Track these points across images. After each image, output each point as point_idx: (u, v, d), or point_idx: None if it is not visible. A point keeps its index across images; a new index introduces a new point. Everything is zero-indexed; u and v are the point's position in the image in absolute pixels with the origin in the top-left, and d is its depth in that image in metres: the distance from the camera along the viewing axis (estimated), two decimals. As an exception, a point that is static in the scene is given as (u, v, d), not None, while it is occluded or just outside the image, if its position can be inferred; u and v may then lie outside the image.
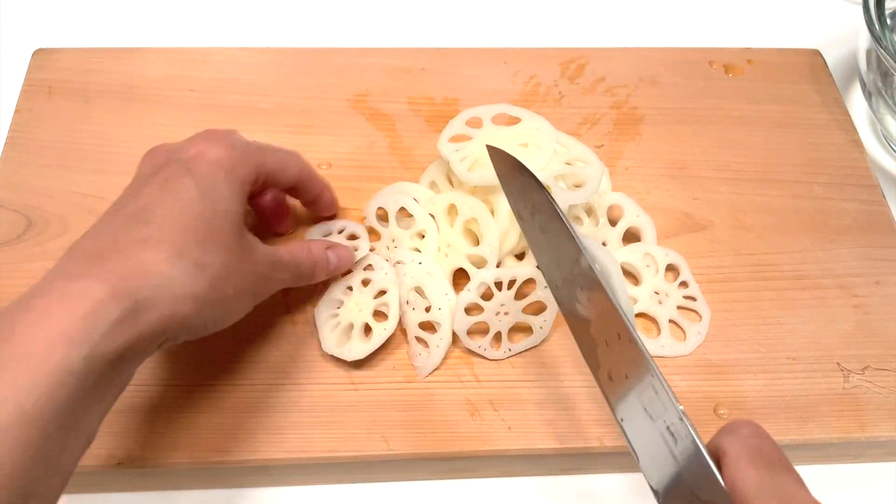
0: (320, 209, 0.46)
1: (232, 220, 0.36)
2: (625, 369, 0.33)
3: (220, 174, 0.36)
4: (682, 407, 0.30)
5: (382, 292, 0.43)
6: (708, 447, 0.29)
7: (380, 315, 0.43)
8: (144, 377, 0.41)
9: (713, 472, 0.28)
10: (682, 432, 0.30)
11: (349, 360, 0.41)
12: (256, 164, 0.39)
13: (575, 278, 0.35)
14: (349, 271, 0.44)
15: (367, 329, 0.42)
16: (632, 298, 0.45)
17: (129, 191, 0.36)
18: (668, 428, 0.31)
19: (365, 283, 0.44)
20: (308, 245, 0.42)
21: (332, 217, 0.47)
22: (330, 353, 0.42)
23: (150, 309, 0.31)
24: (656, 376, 0.31)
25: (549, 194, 0.37)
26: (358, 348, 0.41)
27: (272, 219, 0.46)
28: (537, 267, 0.40)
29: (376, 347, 0.42)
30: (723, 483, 0.28)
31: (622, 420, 0.33)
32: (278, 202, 0.46)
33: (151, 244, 0.33)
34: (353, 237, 0.46)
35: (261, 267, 0.38)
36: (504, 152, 0.40)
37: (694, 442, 0.29)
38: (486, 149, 0.41)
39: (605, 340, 0.34)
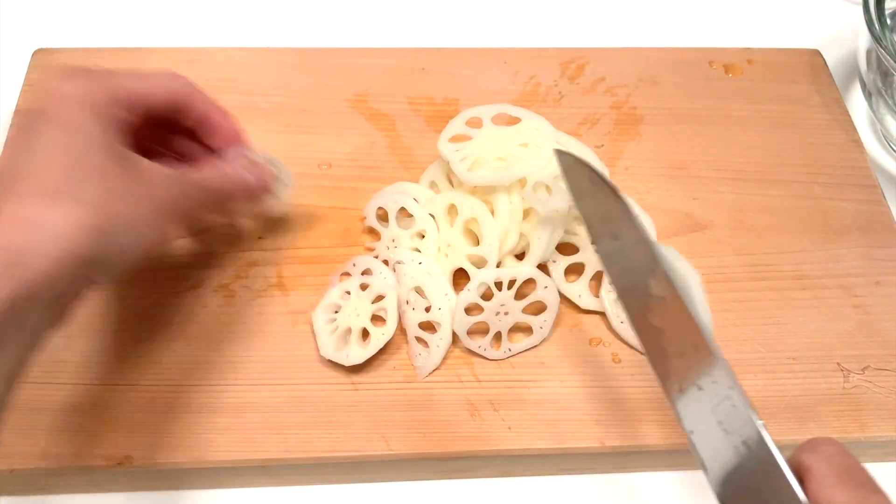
0: (217, 134, 0.42)
1: (103, 145, 0.34)
2: (699, 381, 0.32)
3: (78, 106, 0.35)
4: (762, 421, 0.30)
5: (380, 297, 0.43)
6: (789, 464, 0.29)
7: (378, 320, 0.43)
8: (144, 377, 0.41)
9: (795, 490, 0.28)
10: (760, 447, 0.29)
11: (347, 364, 0.41)
12: (116, 87, 0.37)
13: (650, 287, 0.35)
14: (346, 276, 0.45)
15: (365, 334, 0.42)
16: (632, 298, 0.45)
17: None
18: (744, 442, 0.30)
19: (363, 287, 0.43)
20: (221, 165, 0.40)
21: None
22: (328, 357, 0.42)
23: (35, 255, 0.30)
24: (736, 389, 0.31)
25: (626, 200, 0.37)
26: (356, 353, 0.41)
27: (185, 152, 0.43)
28: (610, 284, 0.39)
29: (374, 352, 0.42)
30: (806, 502, 0.27)
31: (691, 432, 0.32)
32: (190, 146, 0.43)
33: (24, 194, 0.32)
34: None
35: (159, 186, 0.36)
36: (573, 156, 0.40)
37: (775, 458, 0.29)
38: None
39: (680, 351, 0.33)
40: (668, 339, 0.34)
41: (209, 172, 0.39)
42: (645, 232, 0.35)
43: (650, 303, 0.35)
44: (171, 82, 0.40)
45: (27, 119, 0.35)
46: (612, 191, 0.37)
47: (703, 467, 0.31)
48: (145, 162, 0.36)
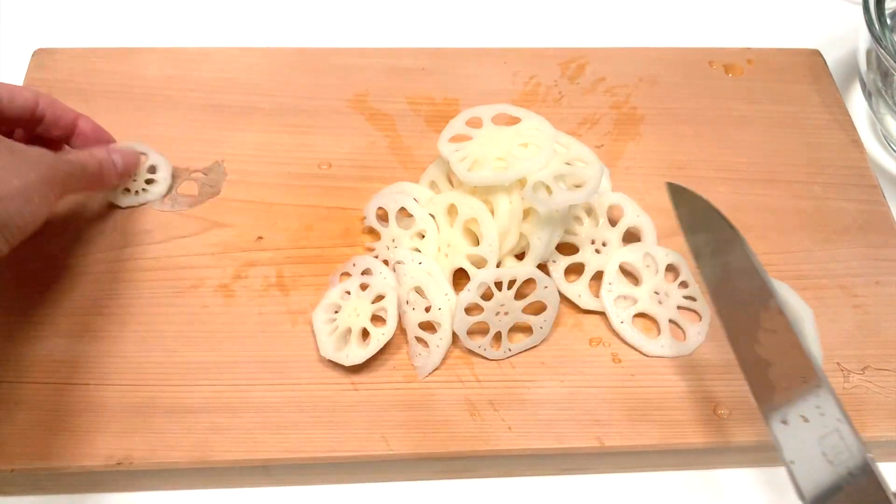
0: (87, 140, 0.46)
1: None
2: (805, 413, 0.33)
3: None
4: (871, 454, 0.30)
5: (380, 297, 0.43)
6: None
7: (378, 320, 0.43)
8: (144, 377, 0.41)
9: None
10: (867, 478, 0.30)
11: (347, 364, 0.41)
12: None
13: (761, 320, 0.35)
14: (346, 276, 0.45)
15: (365, 334, 0.42)
16: (631, 299, 0.45)
17: None
18: (849, 473, 0.31)
19: (363, 287, 0.43)
20: (89, 150, 0.45)
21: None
22: (328, 357, 0.42)
23: None
24: (845, 422, 0.31)
25: (740, 234, 0.37)
26: (356, 353, 0.41)
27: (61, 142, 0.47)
28: (716, 313, 0.39)
29: (374, 353, 0.42)
30: None
31: (792, 462, 0.33)
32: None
33: None
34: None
35: (41, 162, 0.39)
36: (686, 190, 0.40)
37: (883, 489, 0.30)
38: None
39: (787, 384, 0.34)
40: (776, 371, 0.34)
41: (82, 155, 0.44)
42: (759, 264, 0.36)
43: (759, 335, 0.35)
44: (28, 93, 0.44)
45: None
46: (726, 222, 0.38)
47: (801, 497, 0.32)
48: (26, 146, 0.40)
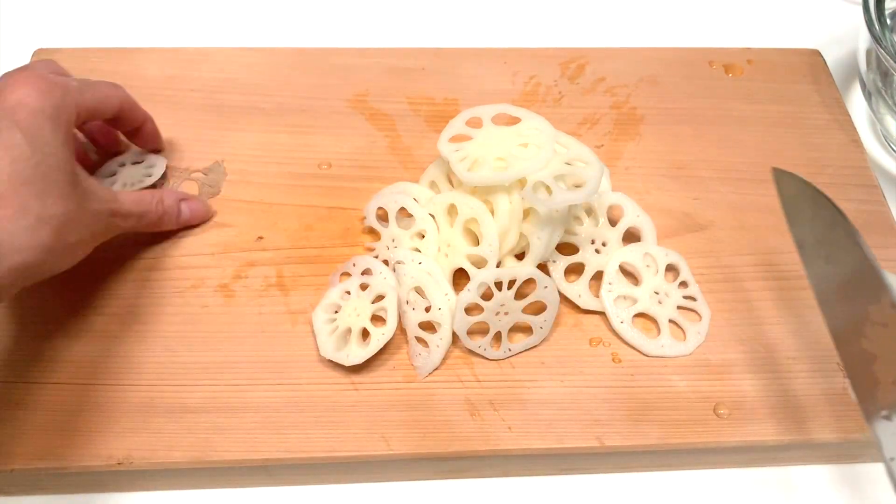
0: (144, 140, 0.48)
1: (65, 169, 0.36)
2: None
3: (46, 124, 0.36)
4: None
5: (380, 297, 0.43)
6: None
7: (378, 320, 0.43)
8: (144, 377, 0.41)
9: None
10: None
11: (347, 364, 0.41)
12: (77, 104, 0.39)
13: (870, 314, 0.35)
14: (346, 276, 0.45)
15: (365, 334, 0.42)
16: (631, 299, 0.45)
17: None
18: None
19: (363, 287, 0.43)
20: (161, 195, 0.44)
21: (157, 151, 0.49)
22: (328, 357, 0.42)
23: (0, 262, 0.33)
24: None
25: (852, 226, 0.36)
26: (356, 353, 0.41)
27: (101, 141, 0.47)
28: (819, 305, 0.38)
29: (374, 352, 0.42)
30: None
31: (892, 459, 0.32)
32: (104, 128, 0.47)
33: None
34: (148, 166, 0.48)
35: (101, 214, 0.39)
36: (793, 175, 0.39)
37: None
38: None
39: (891, 379, 0.33)
40: (881, 365, 0.34)
41: (148, 205, 0.43)
42: (871, 256, 0.35)
43: (866, 329, 0.34)
44: (116, 92, 0.44)
45: None
46: (839, 213, 0.37)
47: None
48: (96, 188, 0.39)
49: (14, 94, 0.36)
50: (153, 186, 0.48)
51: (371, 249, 0.46)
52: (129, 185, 0.47)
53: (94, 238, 0.40)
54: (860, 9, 0.51)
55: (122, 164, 0.48)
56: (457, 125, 0.47)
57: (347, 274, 0.45)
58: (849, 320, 0.35)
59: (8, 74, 0.38)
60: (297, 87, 0.54)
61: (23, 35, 0.60)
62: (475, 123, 0.47)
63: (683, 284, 0.46)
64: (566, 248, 0.46)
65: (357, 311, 0.43)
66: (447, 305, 0.42)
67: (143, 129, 0.47)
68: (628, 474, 0.43)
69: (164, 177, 0.49)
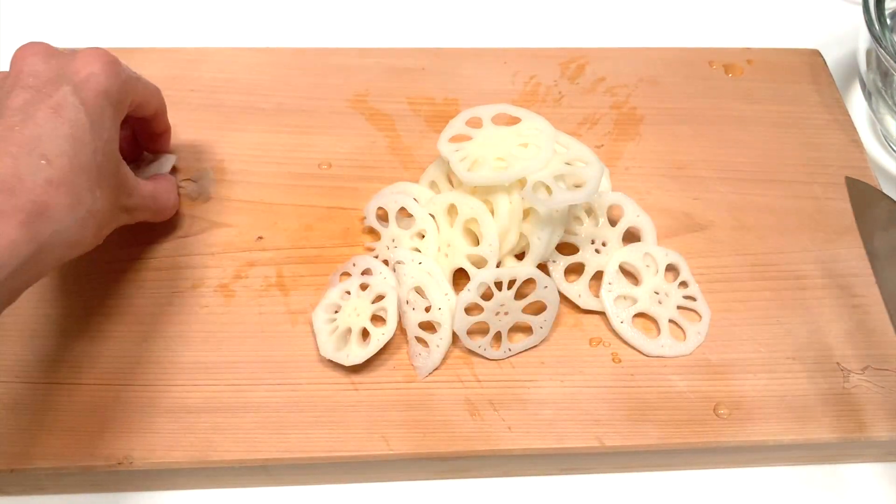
0: (161, 145, 0.47)
1: (114, 157, 0.36)
2: None
3: (108, 106, 0.35)
4: None
5: (380, 297, 0.43)
6: None
7: (378, 320, 0.43)
8: (144, 377, 0.41)
9: None
10: None
11: (347, 364, 0.41)
12: (133, 93, 0.39)
13: None
14: (346, 276, 0.45)
15: (365, 334, 0.42)
16: (631, 299, 0.45)
17: (15, 101, 0.34)
18: None
19: (363, 287, 0.43)
20: (172, 184, 0.45)
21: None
22: (328, 357, 0.42)
23: (50, 253, 0.32)
24: None
25: None
26: (356, 353, 0.41)
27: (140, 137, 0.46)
28: (891, 318, 0.38)
29: (374, 353, 0.41)
30: None
31: None
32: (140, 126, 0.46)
33: (54, 187, 0.33)
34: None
35: (126, 205, 0.39)
36: (865, 185, 0.39)
37: None
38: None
39: None
40: None
41: (167, 199, 0.44)
42: None
43: None
44: (158, 93, 0.43)
45: (58, 84, 0.35)
46: None
47: None
48: (128, 173, 0.39)
49: (85, 68, 0.35)
50: None
51: (371, 249, 0.46)
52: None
53: (115, 228, 0.39)
54: (860, 9, 0.51)
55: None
56: (457, 125, 0.47)
57: (347, 274, 0.45)
58: None
59: (81, 51, 0.37)
60: (297, 87, 0.54)
61: (23, 35, 0.60)
62: (475, 123, 0.47)
63: (683, 284, 0.46)
64: (566, 248, 0.46)
65: (357, 311, 0.43)
66: (447, 305, 0.42)
67: (163, 136, 0.46)
68: (628, 474, 0.43)
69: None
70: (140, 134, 0.46)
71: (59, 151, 0.33)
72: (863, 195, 0.39)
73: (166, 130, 0.46)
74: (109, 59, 0.37)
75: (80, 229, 0.33)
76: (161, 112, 0.44)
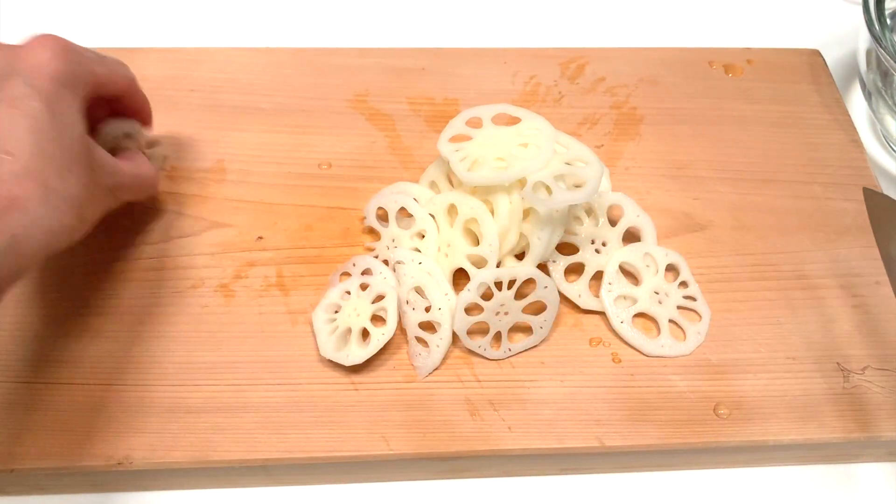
0: (144, 121, 0.46)
1: (81, 141, 0.36)
2: None
3: (65, 91, 0.35)
4: None
5: (380, 297, 0.43)
6: None
7: (378, 320, 0.43)
8: (144, 377, 0.41)
9: None
10: None
11: (347, 364, 0.41)
12: (91, 74, 0.38)
13: None
14: (346, 276, 0.45)
15: (365, 334, 0.42)
16: (631, 298, 0.45)
17: None
18: None
19: (363, 287, 0.43)
20: (149, 166, 0.44)
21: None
22: (328, 357, 0.42)
23: (27, 243, 0.32)
24: None
25: None
26: (356, 353, 0.41)
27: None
28: None
29: (374, 353, 0.41)
30: None
31: None
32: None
33: (21, 180, 0.32)
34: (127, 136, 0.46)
35: (109, 189, 0.39)
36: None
37: None
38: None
39: None
40: None
41: (145, 177, 0.43)
42: None
43: None
44: (125, 70, 0.42)
45: (10, 78, 0.34)
46: None
47: None
48: (105, 157, 0.38)
49: (35, 57, 0.35)
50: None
51: (371, 249, 0.46)
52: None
53: (102, 213, 0.39)
54: (860, 9, 0.51)
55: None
56: (457, 125, 0.47)
57: (347, 274, 0.45)
58: None
59: (29, 40, 0.36)
60: (297, 87, 0.54)
61: (23, 35, 0.60)
62: (475, 123, 0.47)
63: (683, 284, 0.46)
64: (566, 248, 0.46)
65: (357, 311, 0.43)
66: (447, 305, 0.42)
67: (141, 112, 0.45)
68: (628, 474, 0.43)
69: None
70: (122, 112, 0.45)
71: (20, 144, 0.33)
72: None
73: (144, 104, 0.45)
74: (59, 44, 0.36)
75: (57, 216, 0.33)
76: (132, 87, 0.43)
